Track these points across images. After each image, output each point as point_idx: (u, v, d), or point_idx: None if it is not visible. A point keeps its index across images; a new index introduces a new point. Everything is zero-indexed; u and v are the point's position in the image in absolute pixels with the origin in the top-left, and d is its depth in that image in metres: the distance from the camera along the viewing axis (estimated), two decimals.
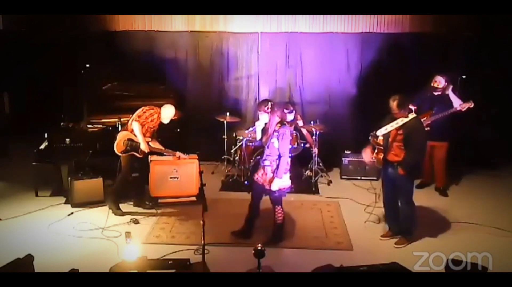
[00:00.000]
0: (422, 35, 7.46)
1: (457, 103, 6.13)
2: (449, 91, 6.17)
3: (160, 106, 5.75)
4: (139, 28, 7.82)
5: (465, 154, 7.33)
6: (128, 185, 5.93)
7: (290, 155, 4.93)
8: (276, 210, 5.10)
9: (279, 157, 4.86)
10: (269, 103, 4.88)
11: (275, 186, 4.89)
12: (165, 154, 5.94)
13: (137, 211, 5.97)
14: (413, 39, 7.45)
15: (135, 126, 5.57)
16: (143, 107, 5.71)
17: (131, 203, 6.12)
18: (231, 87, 7.87)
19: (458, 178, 7.15)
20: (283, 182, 4.92)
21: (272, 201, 5.11)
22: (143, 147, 5.59)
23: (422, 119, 6.09)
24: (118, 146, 5.64)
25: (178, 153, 5.81)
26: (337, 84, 7.72)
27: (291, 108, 6.99)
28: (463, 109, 6.03)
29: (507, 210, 6.10)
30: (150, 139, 5.73)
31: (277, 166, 4.86)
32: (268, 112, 4.86)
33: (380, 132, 4.97)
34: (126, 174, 5.78)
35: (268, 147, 4.92)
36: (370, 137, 5.10)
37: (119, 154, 5.66)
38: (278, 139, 4.82)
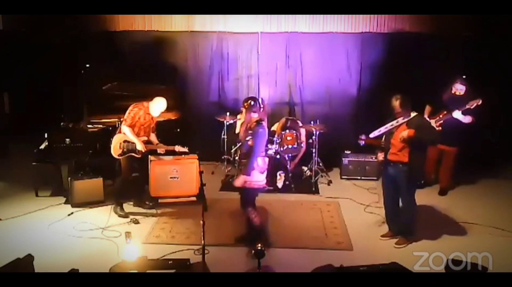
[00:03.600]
0: (422, 35, 7.47)
1: (466, 120, 6.09)
2: (455, 113, 6.07)
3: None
4: (139, 28, 7.82)
5: (465, 153, 7.32)
6: (129, 185, 5.92)
7: (264, 154, 4.85)
8: (248, 211, 4.91)
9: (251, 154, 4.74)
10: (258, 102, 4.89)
11: (237, 182, 4.78)
12: (160, 150, 5.86)
13: (138, 211, 5.97)
14: (413, 39, 7.45)
15: (125, 129, 5.55)
16: (129, 108, 5.66)
17: (131, 203, 6.12)
18: (231, 87, 7.87)
19: (459, 177, 7.13)
20: (254, 179, 4.77)
21: (241, 201, 4.98)
22: (140, 147, 5.57)
23: (435, 119, 6.13)
24: (115, 149, 5.62)
25: (176, 147, 5.76)
26: (337, 84, 7.72)
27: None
28: (471, 107, 6.00)
29: (507, 210, 6.10)
30: (146, 138, 5.70)
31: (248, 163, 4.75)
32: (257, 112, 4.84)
33: (373, 134, 4.98)
34: (126, 175, 5.76)
35: (244, 146, 4.82)
36: (362, 141, 5.10)
37: (117, 157, 5.65)
38: (252, 137, 4.72)
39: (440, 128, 6.13)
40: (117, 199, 5.84)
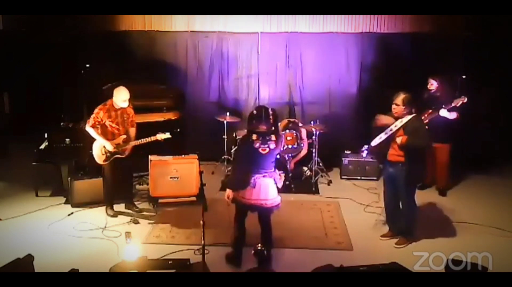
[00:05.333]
0: (422, 35, 7.47)
1: (452, 116, 6.08)
2: (442, 112, 6.04)
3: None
4: (139, 28, 7.81)
5: (465, 153, 7.33)
6: (117, 186, 5.85)
7: (250, 170, 4.48)
8: (270, 223, 4.73)
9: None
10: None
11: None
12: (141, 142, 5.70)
13: (138, 211, 5.98)
14: (413, 39, 7.45)
15: (89, 131, 5.49)
16: None
17: (122, 203, 6.05)
18: (231, 87, 7.87)
19: (458, 178, 7.14)
20: (240, 194, 4.57)
21: (269, 217, 4.70)
22: (108, 146, 5.49)
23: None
24: (98, 157, 5.59)
25: (158, 135, 5.64)
26: (337, 84, 7.72)
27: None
28: (457, 105, 6.01)
29: (507, 210, 6.10)
30: (124, 135, 5.60)
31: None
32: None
33: (375, 142, 4.96)
34: (111, 177, 5.69)
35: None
36: (364, 152, 5.05)
37: (103, 163, 5.61)
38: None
39: (427, 127, 6.12)
40: (107, 200, 5.82)
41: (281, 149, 6.79)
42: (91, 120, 5.50)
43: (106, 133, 5.54)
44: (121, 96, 5.49)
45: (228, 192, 4.56)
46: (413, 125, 4.80)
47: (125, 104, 5.53)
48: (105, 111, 5.49)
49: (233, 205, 4.71)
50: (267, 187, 4.49)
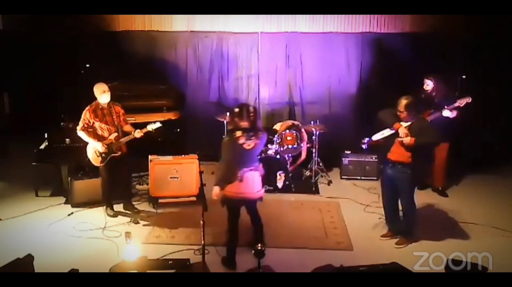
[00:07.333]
0: (422, 35, 7.47)
1: (452, 115, 6.06)
2: (445, 112, 6.02)
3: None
4: (139, 28, 7.81)
5: (465, 153, 7.33)
6: (115, 186, 5.84)
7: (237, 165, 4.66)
8: (258, 214, 4.87)
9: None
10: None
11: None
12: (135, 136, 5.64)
13: (136, 212, 5.97)
14: (413, 39, 7.44)
15: (80, 134, 5.49)
16: None
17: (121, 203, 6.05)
18: (231, 87, 7.87)
19: (458, 178, 7.14)
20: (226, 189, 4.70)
21: (255, 208, 4.83)
22: (99, 147, 5.46)
23: None
24: (94, 159, 5.58)
25: (148, 126, 5.59)
26: (337, 84, 7.72)
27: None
28: (461, 105, 6.00)
29: (507, 210, 6.10)
30: (116, 133, 5.58)
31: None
32: None
33: (376, 137, 4.95)
34: (108, 177, 5.69)
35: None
36: (365, 145, 5.05)
37: (100, 165, 5.59)
38: None
39: None
40: (105, 201, 5.83)
41: (282, 149, 6.84)
42: (80, 124, 5.49)
43: (97, 135, 5.53)
44: (99, 89, 5.48)
45: (216, 190, 4.65)
46: (418, 125, 4.79)
47: (106, 97, 5.51)
48: (92, 112, 5.49)
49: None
50: (253, 180, 4.67)
